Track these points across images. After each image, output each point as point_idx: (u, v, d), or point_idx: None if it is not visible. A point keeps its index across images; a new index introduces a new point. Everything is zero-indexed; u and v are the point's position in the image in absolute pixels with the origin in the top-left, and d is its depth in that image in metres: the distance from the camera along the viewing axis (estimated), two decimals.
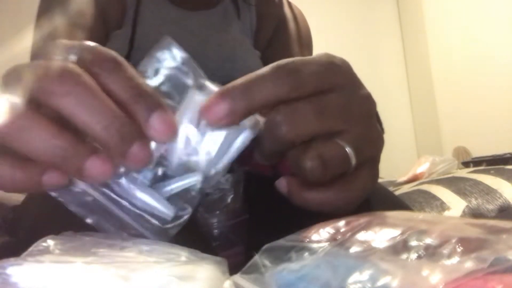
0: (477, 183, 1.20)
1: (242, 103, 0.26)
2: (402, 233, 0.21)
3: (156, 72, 0.27)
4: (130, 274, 0.18)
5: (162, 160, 0.27)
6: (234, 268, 0.23)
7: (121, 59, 0.24)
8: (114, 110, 0.23)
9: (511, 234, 0.19)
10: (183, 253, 0.23)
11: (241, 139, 0.27)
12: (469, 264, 0.17)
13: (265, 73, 0.26)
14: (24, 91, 0.22)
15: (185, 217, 0.27)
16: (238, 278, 0.22)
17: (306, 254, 0.23)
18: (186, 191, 0.27)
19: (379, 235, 0.21)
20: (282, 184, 0.29)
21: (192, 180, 0.27)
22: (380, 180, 0.33)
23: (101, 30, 0.62)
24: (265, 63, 0.74)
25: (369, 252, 0.20)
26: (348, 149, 0.27)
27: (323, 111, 0.26)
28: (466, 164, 1.98)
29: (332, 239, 0.23)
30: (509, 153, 1.92)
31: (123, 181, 0.26)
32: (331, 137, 0.27)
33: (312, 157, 0.26)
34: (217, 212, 0.40)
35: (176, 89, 0.28)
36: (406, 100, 3.06)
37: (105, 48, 0.25)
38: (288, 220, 0.31)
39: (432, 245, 0.19)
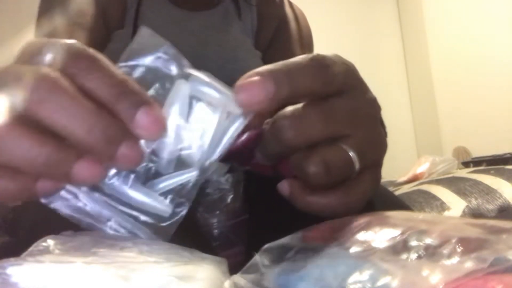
0: (477, 183, 1.20)
1: (286, 89, 0.24)
2: (402, 233, 0.21)
3: (137, 64, 0.26)
4: (130, 274, 0.18)
5: (151, 157, 0.26)
6: (234, 268, 0.23)
7: (99, 56, 0.23)
8: (96, 112, 0.22)
9: (511, 234, 0.19)
10: (183, 253, 0.23)
11: (234, 128, 0.26)
12: (469, 264, 0.17)
13: (304, 63, 0.25)
14: None
15: (183, 212, 0.26)
16: (238, 278, 0.22)
17: (306, 254, 0.23)
18: (181, 185, 0.26)
19: (379, 235, 0.21)
20: (284, 186, 0.29)
21: (189, 176, 0.26)
22: None
23: (102, 30, 0.62)
24: (266, 63, 0.74)
25: (369, 252, 0.20)
26: (352, 154, 0.26)
27: (330, 116, 0.26)
28: (466, 164, 1.98)
29: (332, 239, 0.23)
30: (509, 153, 1.92)
31: (115, 181, 0.25)
32: (336, 141, 0.27)
33: (317, 162, 0.26)
34: (217, 212, 0.40)
35: (159, 80, 0.26)
36: (406, 100, 3.06)
37: (81, 46, 0.23)
38: (288, 220, 0.31)
39: (432, 245, 0.19)
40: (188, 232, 0.28)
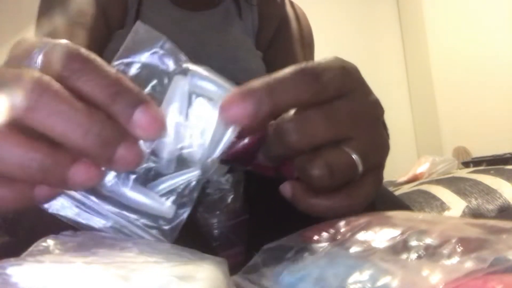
0: (477, 183, 1.20)
1: (267, 105, 0.25)
2: (402, 233, 0.21)
3: (132, 61, 0.25)
4: (130, 274, 0.18)
5: (151, 156, 0.25)
6: (234, 268, 0.23)
7: (92, 56, 0.22)
8: (90, 115, 0.21)
9: (511, 234, 0.19)
10: (183, 253, 0.23)
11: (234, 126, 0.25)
12: (469, 264, 0.17)
13: (288, 76, 0.25)
14: None
15: (185, 214, 0.26)
16: (238, 278, 0.22)
17: (306, 254, 0.23)
18: (183, 186, 0.26)
19: (379, 235, 0.21)
20: (286, 188, 0.29)
21: (190, 175, 0.26)
22: None
23: (103, 30, 0.62)
24: (267, 63, 0.75)
25: (369, 252, 0.20)
26: (355, 157, 0.27)
27: (334, 119, 0.26)
28: (466, 164, 1.98)
29: (332, 239, 0.23)
30: (509, 153, 1.92)
31: (114, 183, 0.24)
32: (339, 144, 0.27)
33: (320, 165, 0.26)
34: (217, 212, 0.40)
35: (156, 76, 0.25)
36: (406, 100, 3.06)
37: (74, 46, 0.22)
38: (288, 220, 0.31)
39: (432, 245, 0.19)
40: (188, 232, 0.27)
